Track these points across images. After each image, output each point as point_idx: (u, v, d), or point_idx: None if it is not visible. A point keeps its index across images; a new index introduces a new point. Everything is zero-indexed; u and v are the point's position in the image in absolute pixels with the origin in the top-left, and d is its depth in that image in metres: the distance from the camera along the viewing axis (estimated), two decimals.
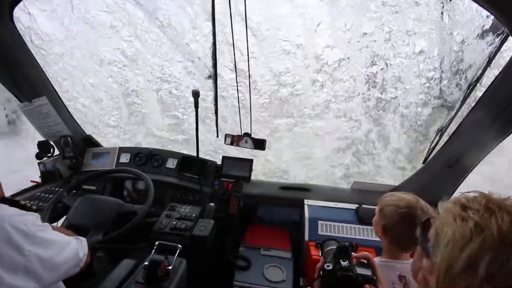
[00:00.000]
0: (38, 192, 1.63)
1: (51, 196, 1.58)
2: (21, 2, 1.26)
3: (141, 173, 1.44)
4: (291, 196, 1.76)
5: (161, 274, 1.03)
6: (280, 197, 1.77)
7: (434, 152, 1.58)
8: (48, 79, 1.61)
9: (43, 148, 1.64)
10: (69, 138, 1.77)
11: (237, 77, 1.39)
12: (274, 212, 1.89)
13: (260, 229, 1.79)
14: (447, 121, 1.57)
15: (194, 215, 1.48)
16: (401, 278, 0.94)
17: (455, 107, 1.48)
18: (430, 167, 1.62)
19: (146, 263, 1.06)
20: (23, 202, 0.91)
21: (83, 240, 0.95)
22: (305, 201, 1.70)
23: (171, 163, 1.83)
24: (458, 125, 1.43)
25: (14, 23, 1.31)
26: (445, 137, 1.49)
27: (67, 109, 1.78)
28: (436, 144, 1.57)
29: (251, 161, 1.75)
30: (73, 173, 1.84)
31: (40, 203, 1.53)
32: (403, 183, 1.80)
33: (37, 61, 1.50)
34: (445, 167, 1.50)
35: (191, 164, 1.80)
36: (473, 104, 1.30)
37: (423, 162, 1.69)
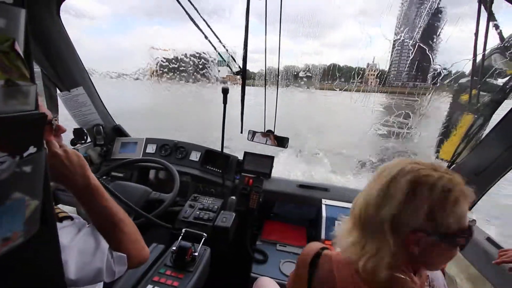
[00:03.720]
0: None
1: None
2: None
3: (168, 164, 1.51)
4: (309, 195, 1.77)
5: (188, 259, 1.09)
6: (298, 195, 1.79)
7: (460, 158, 1.54)
8: (86, 70, 1.70)
9: (78, 135, 1.75)
10: (101, 127, 1.88)
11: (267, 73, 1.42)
12: (291, 209, 1.92)
13: (276, 225, 1.83)
14: (476, 126, 1.52)
15: (216, 206, 1.54)
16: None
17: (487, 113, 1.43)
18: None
19: (174, 248, 1.12)
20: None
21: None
22: (323, 200, 1.71)
23: (195, 156, 1.90)
24: (489, 131, 1.39)
25: (61, 17, 1.40)
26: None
27: (101, 100, 1.88)
28: (463, 150, 1.53)
29: (272, 158, 1.78)
30: (103, 160, 1.96)
31: None
32: None
33: (77, 54, 1.59)
34: (471, 174, 1.46)
35: (214, 158, 1.85)
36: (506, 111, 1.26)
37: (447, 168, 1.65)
